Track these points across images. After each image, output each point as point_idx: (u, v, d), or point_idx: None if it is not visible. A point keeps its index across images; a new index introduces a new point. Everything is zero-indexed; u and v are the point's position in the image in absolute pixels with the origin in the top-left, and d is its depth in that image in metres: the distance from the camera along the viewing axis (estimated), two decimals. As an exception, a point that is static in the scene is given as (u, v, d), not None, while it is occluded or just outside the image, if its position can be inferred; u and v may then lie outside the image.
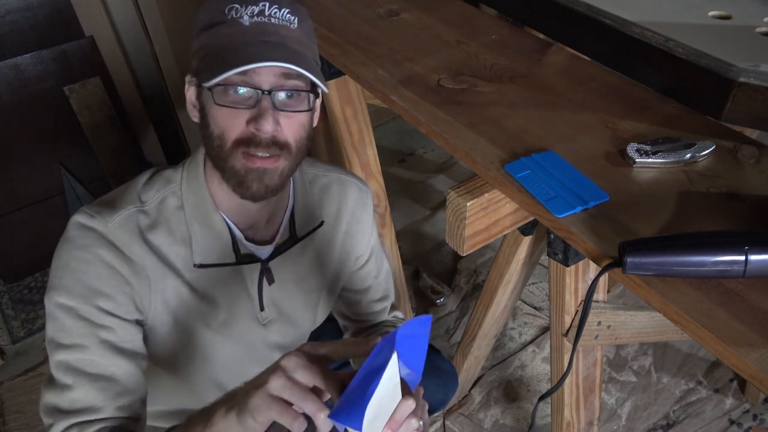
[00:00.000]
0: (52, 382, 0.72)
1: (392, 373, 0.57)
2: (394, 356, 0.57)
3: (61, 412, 0.70)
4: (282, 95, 0.70)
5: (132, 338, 0.75)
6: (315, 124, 0.80)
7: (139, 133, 2.03)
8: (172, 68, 1.96)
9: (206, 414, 0.64)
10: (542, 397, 0.95)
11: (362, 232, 0.95)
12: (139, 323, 0.77)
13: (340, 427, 0.56)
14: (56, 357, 0.71)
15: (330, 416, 0.56)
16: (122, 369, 0.73)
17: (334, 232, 0.92)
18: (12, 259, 1.90)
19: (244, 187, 0.72)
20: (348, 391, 0.56)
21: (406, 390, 0.63)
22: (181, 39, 1.90)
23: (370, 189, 0.98)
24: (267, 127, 0.68)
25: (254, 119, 0.69)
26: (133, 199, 0.77)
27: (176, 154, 2.16)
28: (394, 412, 0.60)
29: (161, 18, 1.85)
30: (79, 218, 0.74)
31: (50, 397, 0.71)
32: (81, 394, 0.70)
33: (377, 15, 1.13)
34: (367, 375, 0.56)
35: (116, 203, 0.76)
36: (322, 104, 0.88)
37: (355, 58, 1.00)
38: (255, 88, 0.68)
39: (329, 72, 1.16)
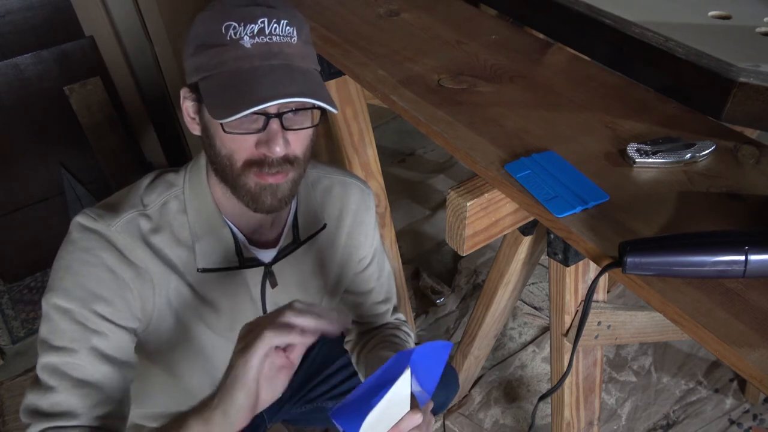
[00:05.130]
0: (36, 383, 0.71)
1: (402, 387, 0.58)
2: (407, 371, 0.57)
3: (40, 414, 0.69)
4: (289, 114, 0.69)
5: (123, 346, 0.74)
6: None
7: (139, 134, 2.03)
8: (172, 68, 1.96)
9: (199, 409, 0.64)
10: (542, 397, 0.95)
11: (365, 234, 0.95)
12: (133, 332, 0.76)
13: (338, 427, 0.56)
14: (45, 358, 0.70)
15: (330, 414, 0.56)
16: (108, 377, 0.72)
17: (337, 235, 0.91)
18: (12, 259, 1.90)
19: (258, 202, 0.72)
20: (354, 394, 0.57)
21: (414, 405, 0.63)
22: (182, 39, 1.90)
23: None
24: (278, 150, 0.68)
25: (264, 143, 0.68)
26: (136, 203, 0.76)
27: (176, 154, 2.16)
28: (399, 421, 0.60)
29: (161, 18, 1.85)
30: (81, 220, 0.74)
31: (32, 398, 0.70)
32: (62, 398, 0.69)
33: (377, 15, 1.13)
34: (376, 385, 0.57)
35: (118, 207, 0.76)
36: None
37: (355, 58, 1.00)
38: (263, 113, 0.67)
39: (329, 72, 1.16)
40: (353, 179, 0.94)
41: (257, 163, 0.70)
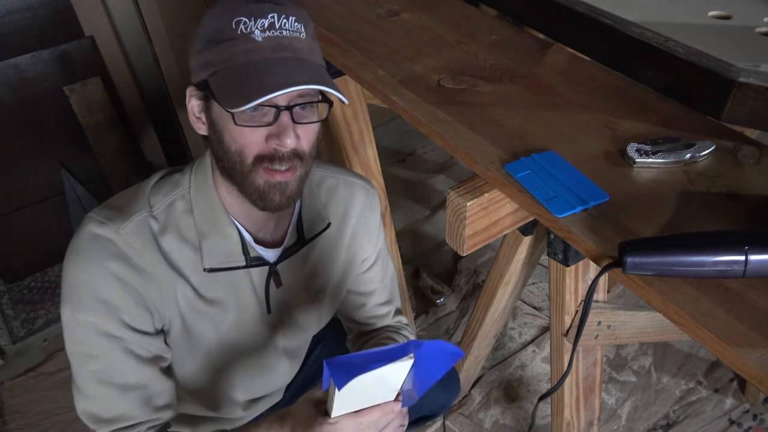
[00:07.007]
0: (81, 391, 0.75)
1: (399, 371, 0.59)
2: (411, 359, 0.57)
3: (100, 420, 0.74)
4: (299, 108, 0.70)
5: (152, 345, 0.77)
6: None
7: (139, 134, 2.03)
8: (172, 68, 1.96)
9: None
10: (542, 397, 0.95)
11: (369, 235, 0.94)
12: (157, 330, 0.79)
13: (326, 375, 0.58)
14: (83, 367, 0.74)
15: (325, 361, 0.57)
16: (148, 375, 0.76)
17: (341, 234, 0.91)
18: (12, 259, 1.90)
19: (267, 200, 0.73)
20: (354, 356, 0.58)
21: (397, 398, 0.66)
22: (182, 40, 1.90)
23: None
24: (289, 143, 0.68)
25: (276, 136, 0.69)
26: (144, 204, 0.76)
27: (176, 154, 2.16)
28: (379, 404, 0.64)
29: (161, 18, 1.85)
30: (91, 227, 0.74)
31: (85, 405, 0.75)
32: (113, 404, 0.74)
33: (377, 15, 1.14)
34: (379, 358, 0.58)
35: (127, 208, 0.76)
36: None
37: (355, 58, 1.00)
38: (273, 105, 0.68)
39: (329, 72, 1.15)
40: (358, 179, 0.94)
41: (268, 158, 0.70)
